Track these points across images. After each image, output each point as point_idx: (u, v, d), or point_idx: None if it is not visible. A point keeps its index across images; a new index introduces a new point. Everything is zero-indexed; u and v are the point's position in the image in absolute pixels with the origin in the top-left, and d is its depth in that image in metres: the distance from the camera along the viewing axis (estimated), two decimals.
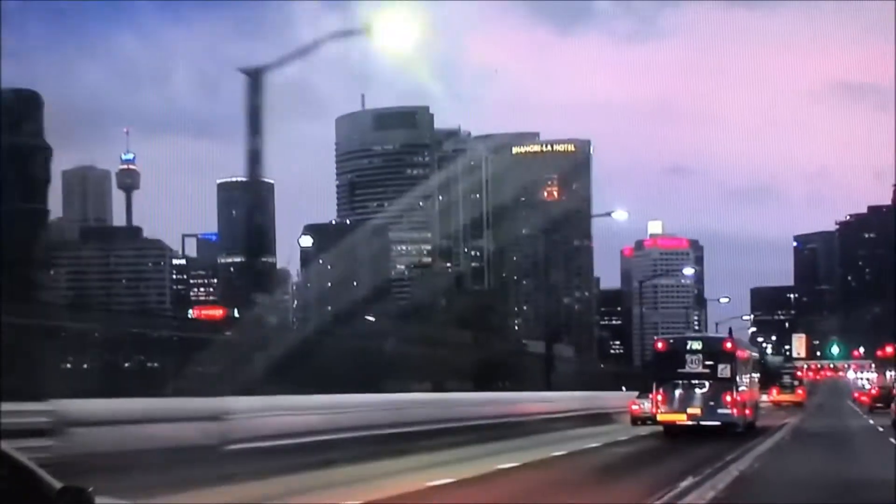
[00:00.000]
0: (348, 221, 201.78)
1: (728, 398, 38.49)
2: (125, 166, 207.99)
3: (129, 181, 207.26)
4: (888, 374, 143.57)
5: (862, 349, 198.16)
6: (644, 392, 48.12)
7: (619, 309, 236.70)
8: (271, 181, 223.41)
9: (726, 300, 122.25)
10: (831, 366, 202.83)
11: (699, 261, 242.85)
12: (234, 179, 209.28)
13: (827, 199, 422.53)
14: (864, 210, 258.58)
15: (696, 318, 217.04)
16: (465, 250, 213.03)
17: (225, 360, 23.84)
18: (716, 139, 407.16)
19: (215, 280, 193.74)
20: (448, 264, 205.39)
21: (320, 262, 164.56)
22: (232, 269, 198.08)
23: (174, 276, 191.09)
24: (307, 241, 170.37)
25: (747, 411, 41.63)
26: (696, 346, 40.46)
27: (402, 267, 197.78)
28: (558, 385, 53.17)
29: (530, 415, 41.64)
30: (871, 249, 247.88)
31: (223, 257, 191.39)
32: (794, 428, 48.25)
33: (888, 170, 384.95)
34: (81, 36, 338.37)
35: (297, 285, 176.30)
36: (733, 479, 21.31)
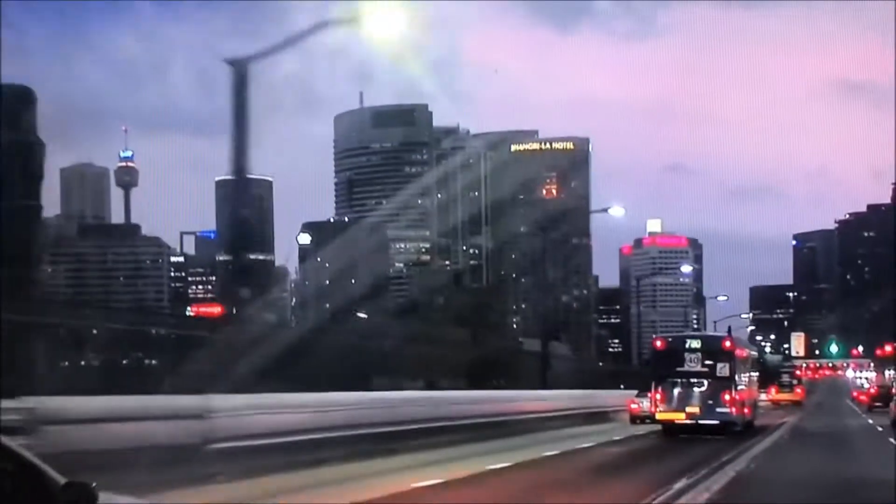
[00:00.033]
0: (347, 219, 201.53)
1: (727, 397, 38.32)
2: (124, 163, 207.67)
3: (127, 178, 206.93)
4: (887, 373, 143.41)
5: (861, 348, 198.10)
6: (643, 391, 47.99)
7: (617, 307, 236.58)
8: (270, 178, 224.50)
9: (724, 298, 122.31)
10: (830, 365, 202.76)
11: (698, 259, 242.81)
12: (231, 177, 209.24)
13: (826, 197, 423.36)
14: (864, 209, 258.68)
15: (694, 316, 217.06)
16: (464, 248, 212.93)
17: (216, 357, 23.48)
18: (715, 138, 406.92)
19: (213, 278, 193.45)
20: (446, 262, 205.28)
21: (318, 259, 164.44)
22: (230, 266, 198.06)
23: (172, 274, 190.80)
24: (305, 238, 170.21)
25: (746, 410, 41.47)
26: (695, 344, 40.33)
27: (401, 264, 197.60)
28: (554, 383, 52.88)
29: (525, 413, 41.16)
30: (870, 248, 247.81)
31: (221, 255, 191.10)
32: (792, 427, 48.11)
33: (888, 169, 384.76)
34: (79, 33, 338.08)
35: (295, 283, 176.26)
36: (729, 480, 20.92)
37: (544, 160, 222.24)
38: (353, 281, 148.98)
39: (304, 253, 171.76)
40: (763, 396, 73.20)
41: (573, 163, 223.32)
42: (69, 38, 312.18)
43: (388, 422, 27.90)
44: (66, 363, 25.73)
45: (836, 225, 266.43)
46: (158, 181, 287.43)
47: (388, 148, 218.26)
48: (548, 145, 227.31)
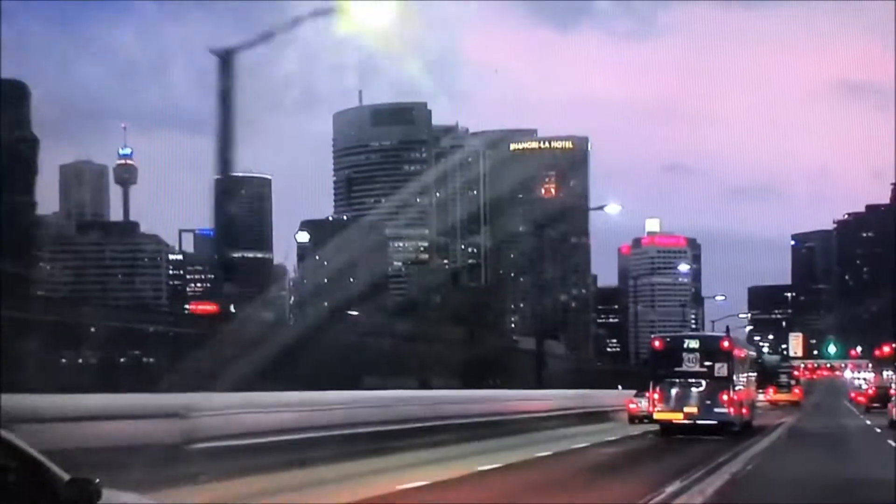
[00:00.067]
0: (345, 217, 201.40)
1: (725, 397, 38.28)
2: (123, 161, 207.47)
3: (126, 176, 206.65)
4: (885, 373, 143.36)
5: (859, 349, 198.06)
6: (641, 390, 47.95)
7: (616, 307, 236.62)
8: (269, 176, 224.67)
9: (723, 298, 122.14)
10: (828, 365, 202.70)
11: (696, 259, 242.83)
12: (230, 175, 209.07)
13: (826, 198, 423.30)
14: (863, 209, 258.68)
15: (693, 316, 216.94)
16: (462, 247, 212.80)
17: (209, 355, 23.24)
18: (715, 138, 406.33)
19: (212, 275, 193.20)
20: (445, 261, 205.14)
21: (317, 258, 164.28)
22: (217, 263, 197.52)
23: (171, 272, 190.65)
24: (304, 236, 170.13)
25: (744, 410, 41.44)
26: (693, 344, 40.31)
27: (399, 263, 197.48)
28: (550, 383, 52.71)
29: (520, 413, 40.69)
30: (869, 248, 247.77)
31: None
32: (790, 427, 48.07)
33: (887, 169, 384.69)
34: (78, 31, 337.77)
35: (293, 281, 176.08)
36: (724, 482, 20.59)
37: (543, 159, 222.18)
38: (351, 279, 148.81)
39: (303, 251, 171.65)
40: (761, 397, 73.19)
41: (572, 162, 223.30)
42: (68, 36, 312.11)
43: (379, 421, 27.36)
44: (62, 360, 25.61)
45: (835, 225, 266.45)
46: (157, 179, 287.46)
47: (386, 146, 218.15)
48: (546, 144, 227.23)
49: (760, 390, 70.86)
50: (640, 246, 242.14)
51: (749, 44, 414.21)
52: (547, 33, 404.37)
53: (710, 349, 39.79)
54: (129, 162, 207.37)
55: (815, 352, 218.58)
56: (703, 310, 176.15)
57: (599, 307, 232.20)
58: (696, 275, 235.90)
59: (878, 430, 44.19)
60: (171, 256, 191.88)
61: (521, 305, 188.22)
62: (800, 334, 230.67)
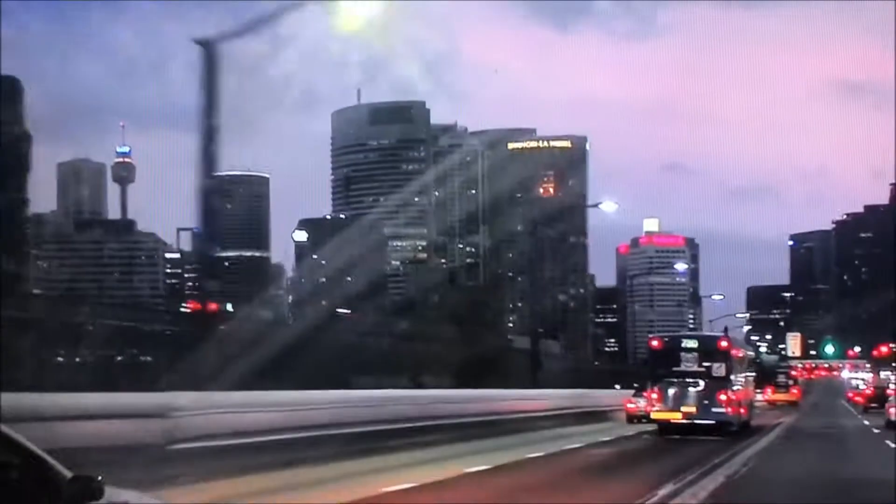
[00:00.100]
0: (343, 216, 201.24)
1: (723, 397, 38.22)
2: (121, 159, 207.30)
3: (124, 174, 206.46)
4: (883, 374, 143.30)
5: (857, 349, 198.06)
6: (640, 390, 47.88)
7: (614, 306, 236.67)
8: (267, 175, 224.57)
9: (720, 297, 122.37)
10: (826, 365, 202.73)
11: (695, 259, 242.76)
12: (228, 173, 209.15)
13: (824, 198, 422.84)
14: (861, 209, 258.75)
15: (691, 316, 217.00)
16: (461, 246, 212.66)
17: (200, 353, 22.98)
18: (714, 138, 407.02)
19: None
20: (443, 260, 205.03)
21: (314, 257, 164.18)
22: (227, 263, 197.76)
23: (168, 270, 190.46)
24: (302, 235, 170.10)
25: (742, 410, 41.37)
26: (691, 344, 40.30)
27: (397, 262, 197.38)
28: (546, 382, 52.52)
29: (513, 413, 40.24)
30: (867, 249, 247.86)
31: (218, 251, 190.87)
32: (788, 427, 48.02)
33: (886, 169, 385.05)
34: (76, 29, 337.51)
35: (291, 280, 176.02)
36: (718, 485, 20.14)
37: (542, 158, 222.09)
38: (349, 279, 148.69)
39: (301, 250, 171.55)
40: (759, 396, 73.12)
41: (570, 161, 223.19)
42: (66, 33, 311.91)
43: (367, 421, 26.83)
44: (58, 358, 25.47)
45: (834, 225, 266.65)
46: (155, 177, 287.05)
47: (385, 145, 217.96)
48: (545, 143, 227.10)
49: (758, 390, 70.78)
50: (639, 245, 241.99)
51: (749, 44, 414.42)
52: (546, 33, 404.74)
53: (709, 349, 39.76)
54: (126, 160, 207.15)
55: (813, 352, 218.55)
56: (701, 309, 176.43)
57: (597, 307, 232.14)
58: (694, 274, 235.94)
59: (876, 431, 44.13)
60: (169, 255, 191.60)
61: (520, 305, 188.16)
62: (798, 334, 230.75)
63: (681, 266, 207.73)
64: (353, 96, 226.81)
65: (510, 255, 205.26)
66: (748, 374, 46.77)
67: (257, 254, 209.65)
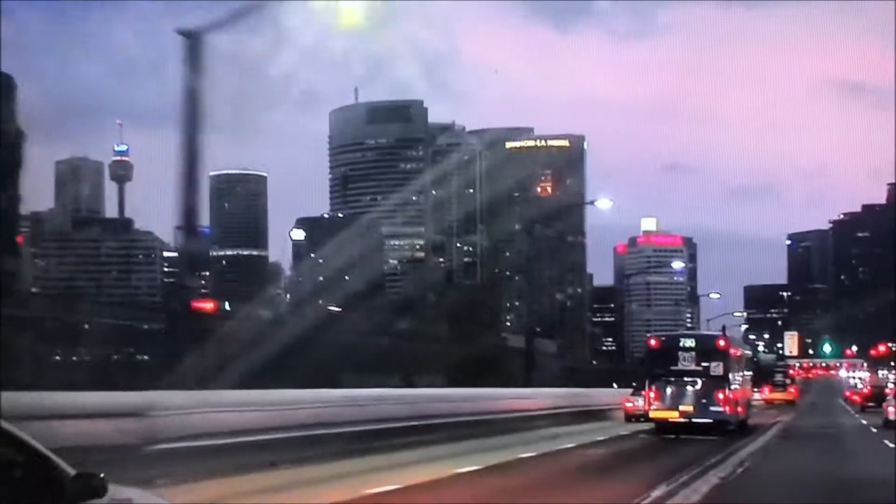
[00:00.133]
0: (341, 215, 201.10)
1: (720, 396, 38.20)
2: (118, 158, 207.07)
3: (122, 173, 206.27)
4: (880, 372, 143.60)
5: (855, 348, 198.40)
6: (637, 389, 47.85)
7: (612, 305, 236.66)
8: (264, 174, 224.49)
9: (717, 296, 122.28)
10: (824, 364, 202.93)
11: (693, 258, 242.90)
12: (225, 172, 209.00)
13: (822, 197, 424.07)
14: (859, 209, 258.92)
15: (688, 315, 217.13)
16: (458, 245, 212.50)
17: (191, 352, 22.75)
18: (713, 137, 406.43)
19: (207, 273, 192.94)
20: (441, 259, 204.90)
21: (312, 255, 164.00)
22: (224, 261, 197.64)
23: (166, 269, 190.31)
24: (299, 234, 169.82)
25: (739, 409, 41.35)
26: (689, 343, 40.26)
27: (395, 261, 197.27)
28: (541, 381, 52.39)
29: (507, 412, 39.84)
30: (864, 248, 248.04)
31: (215, 250, 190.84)
32: (785, 426, 48.01)
33: (885, 169, 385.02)
34: (75, 28, 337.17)
35: (288, 279, 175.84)
36: (711, 487, 19.81)
37: (539, 157, 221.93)
38: (346, 277, 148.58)
39: (299, 249, 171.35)
40: (757, 395, 73.16)
41: (568, 160, 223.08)
42: (64, 33, 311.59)
43: (356, 421, 26.33)
44: (55, 357, 25.40)
45: (831, 225, 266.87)
46: (153, 175, 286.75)
47: (383, 144, 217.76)
48: (543, 142, 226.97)
49: (756, 389, 70.86)
50: (636, 245, 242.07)
51: (749, 43, 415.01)
52: (546, 33, 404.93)
53: (706, 348, 39.72)
54: (124, 158, 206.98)
55: (811, 351, 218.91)
56: (698, 309, 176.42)
57: (595, 306, 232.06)
58: (691, 274, 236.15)
59: (874, 430, 44.10)
60: (166, 253, 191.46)
61: (517, 304, 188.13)
62: (795, 333, 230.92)
63: (678, 265, 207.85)
64: (351, 95, 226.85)
65: (508, 254, 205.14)
66: (746, 373, 46.75)
67: (255, 252, 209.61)
